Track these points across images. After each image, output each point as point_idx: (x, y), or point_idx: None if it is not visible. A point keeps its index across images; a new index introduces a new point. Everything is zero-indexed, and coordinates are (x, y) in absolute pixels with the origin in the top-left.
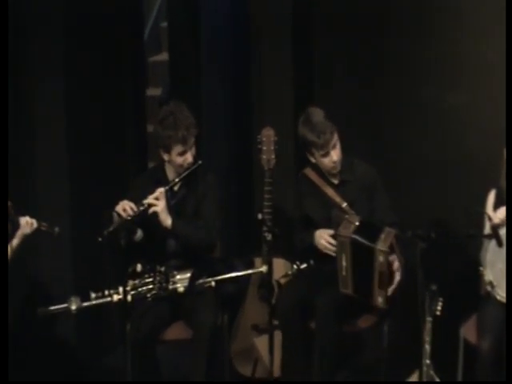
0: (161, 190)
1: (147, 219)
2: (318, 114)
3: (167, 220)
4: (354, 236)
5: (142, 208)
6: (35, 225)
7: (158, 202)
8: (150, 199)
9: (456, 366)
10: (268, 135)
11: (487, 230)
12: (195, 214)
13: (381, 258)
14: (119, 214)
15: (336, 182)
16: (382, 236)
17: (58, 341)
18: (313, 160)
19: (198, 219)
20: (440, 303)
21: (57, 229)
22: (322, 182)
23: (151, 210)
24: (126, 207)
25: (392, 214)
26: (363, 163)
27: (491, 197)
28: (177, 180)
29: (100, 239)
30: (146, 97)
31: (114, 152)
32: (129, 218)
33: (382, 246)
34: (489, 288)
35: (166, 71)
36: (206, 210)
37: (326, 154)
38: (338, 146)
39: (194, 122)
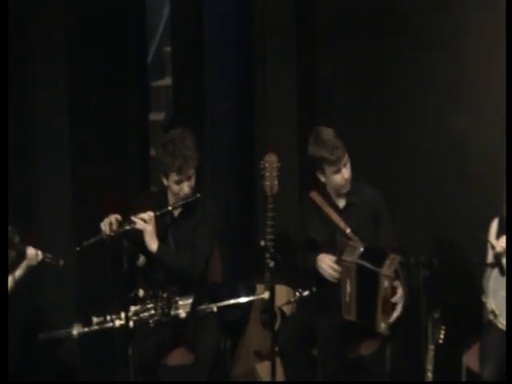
0: (150, 213)
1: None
2: (328, 133)
3: (153, 244)
4: (360, 261)
5: (127, 227)
6: (40, 256)
7: (145, 224)
8: (136, 218)
9: None
10: (271, 161)
11: (490, 258)
12: (191, 241)
13: (385, 284)
14: (101, 229)
15: (342, 204)
16: (387, 262)
17: (61, 366)
18: (323, 179)
19: (192, 246)
20: (443, 331)
21: (61, 261)
22: (327, 205)
23: (137, 227)
24: (111, 221)
25: (395, 238)
26: (369, 186)
27: (494, 225)
28: (170, 208)
29: (78, 249)
30: (149, 121)
31: (116, 176)
32: (111, 234)
33: (386, 271)
34: (491, 316)
35: (170, 96)
36: (198, 237)
37: (338, 171)
38: (349, 166)
39: (194, 153)
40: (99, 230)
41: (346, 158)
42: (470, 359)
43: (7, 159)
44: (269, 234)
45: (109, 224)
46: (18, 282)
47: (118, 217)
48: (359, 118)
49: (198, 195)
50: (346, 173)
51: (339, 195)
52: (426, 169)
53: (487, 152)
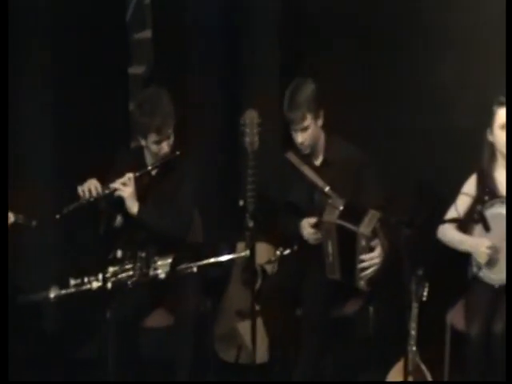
0: (129, 176)
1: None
2: (299, 89)
3: (133, 207)
4: (339, 221)
5: (106, 191)
6: (12, 218)
7: (124, 187)
8: (117, 183)
9: (443, 352)
10: (251, 117)
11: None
12: (172, 200)
13: (363, 242)
14: (79, 195)
15: (318, 162)
16: (366, 219)
17: (39, 329)
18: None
19: (174, 206)
20: (426, 289)
21: (34, 222)
22: (304, 164)
23: (117, 194)
24: (90, 187)
25: (378, 196)
26: (350, 144)
27: (472, 179)
28: (150, 168)
29: (57, 217)
30: (129, 75)
31: (96, 130)
32: (91, 199)
33: (364, 230)
34: (475, 269)
35: (150, 49)
36: (179, 197)
37: (296, 131)
38: (310, 131)
39: (171, 112)
40: (78, 195)
41: (308, 121)
42: (455, 317)
43: (7, 159)
44: (249, 191)
45: (88, 189)
46: None
47: (97, 180)
48: (346, 75)
49: (178, 153)
50: (300, 137)
51: (314, 153)
52: (412, 126)
53: (471, 109)
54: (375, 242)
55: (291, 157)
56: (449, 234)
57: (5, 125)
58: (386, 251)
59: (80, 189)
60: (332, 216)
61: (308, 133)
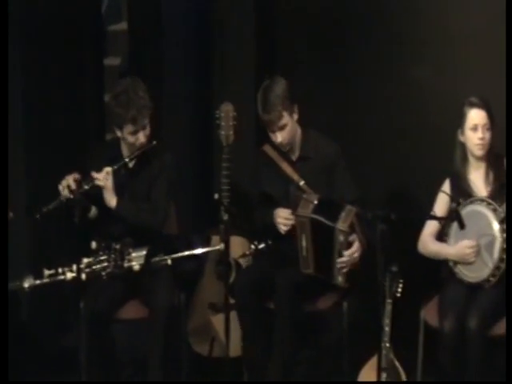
0: (108, 170)
1: (101, 196)
2: (271, 89)
3: (112, 200)
4: (314, 216)
5: (86, 187)
6: None
7: (104, 180)
8: (96, 176)
9: (416, 348)
10: (227, 110)
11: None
12: (148, 193)
13: (341, 238)
14: (60, 192)
15: (294, 157)
16: (343, 215)
17: (13, 320)
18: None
19: (149, 199)
20: (400, 284)
21: (11, 214)
22: (280, 158)
23: (96, 183)
24: (70, 182)
25: (353, 191)
26: (326, 139)
27: (446, 184)
28: (127, 160)
29: (38, 216)
30: (105, 66)
31: (70, 122)
32: (70, 196)
33: (342, 225)
34: (450, 264)
35: (126, 40)
36: (156, 190)
37: (273, 132)
38: (288, 129)
39: (147, 103)
40: (58, 192)
41: (283, 121)
42: (428, 313)
43: (7, 158)
44: (223, 185)
45: (67, 186)
46: None
47: (77, 176)
48: (320, 68)
49: (154, 142)
50: (279, 136)
51: (291, 148)
52: (386, 121)
53: (446, 105)
54: (353, 237)
55: (268, 150)
56: (429, 247)
57: (5, 125)
58: (364, 246)
59: (60, 186)
60: (306, 210)
61: (286, 130)
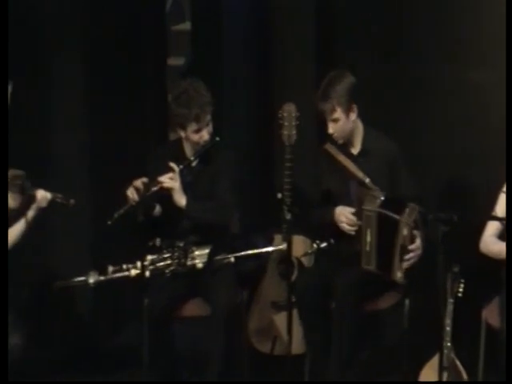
0: (175, 170)
1: (166, 195)
2: (336, 82)
3: (181, 200)
4: (381, 210)
5: (154, 188)
6: (49, 197)
7: (172, 181)
8: (164, 179)
9: (478, 349)
10: (289, 110)
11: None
12: (210, 191)
13: (405, 231)
14: (127, 198)
15: (356, 151)
16: (407, 210)
17: (76, 315)
18: None
19: (213, 196)
20: (462, 285)
21: (72, 200)
22: (343, 156)
23: (165, 186)
24: (137, 185)
25: (413, 189)
26: (386, 137)
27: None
28: (192, 158)
29: (109, 223)
30: (168, 66)
31: (134, 122)
32: (139, 200)
33: (406, 219)
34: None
35: (189, 41)
36: (221, 188)
37: (326, 122)
38: (340, 124)
39: (209, 100)
40: (126, 197)
41: (338, 114)
42: (489, 314)
43: (7, 158)
44: (286, 184)
45: (136, 190)
46: (29, 224)
47: (144, 179)
48: (378, 69)
49: (218, 139)
50: (330, 128)
51: (352, 143)
52: (448, 126)
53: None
54: (415, 233)
55: (330, 148)
56: (491, 247)
57: (5, 125)
58: (424, 242)
59: (128, 191)
60: (373, 205)
61: (338, 124)
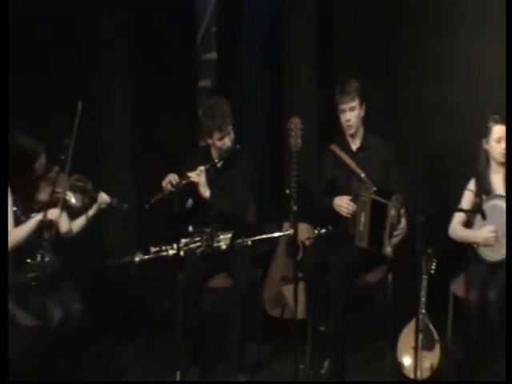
0: (201, 168)
1: (196, 191)
2: (351, 83)
3: (206, 192)
4: (374, 196)
5: (184, 181)
6: (108, 200)
7: (198, 177)
8: (192, 174)
9: (446, 315)
10: (295, 123)
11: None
12: (230, 188)
13: (392, 212)
14: (163, 187)
15: (356, 147)
16: (394, 197)
17: (124, 288)
18: (340, 116)
19: (232, 193)
20: (434, 264)
21: (125, 205)
22: (345, 155)
23: (192, 180)
24: (170, 179)
25: (401, 187)
26: (382, 139)
27: (471, 184)
28: (216, 161)
29: (147, 206)
30: (198, 87)
31: (171, 132)
32: (172, 189)
33: (394, 203)
34: (475, 246)
35: (215, 67)
36: (239, 187)
37: (344, 112)
38: (356, 113)
39: (229, 113)
40: (161, 187)
41: (355, 102)
42: (457, 287)
43: (7, 158)
44: (293, 182)
45: (169, 181)
46: (89, 220)
47: (175, 175)
48: (372, 85)
49: (238, 146)
50: (348, 114)
51: (353, 138)
52: (424, 131)
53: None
54: (402, 213)
55: (334, 148)
56: (458, 233)
57: (5, 125)
58: (408, 222)
59: (163, 182)
60: (368, 193)
61: (355, 113)
